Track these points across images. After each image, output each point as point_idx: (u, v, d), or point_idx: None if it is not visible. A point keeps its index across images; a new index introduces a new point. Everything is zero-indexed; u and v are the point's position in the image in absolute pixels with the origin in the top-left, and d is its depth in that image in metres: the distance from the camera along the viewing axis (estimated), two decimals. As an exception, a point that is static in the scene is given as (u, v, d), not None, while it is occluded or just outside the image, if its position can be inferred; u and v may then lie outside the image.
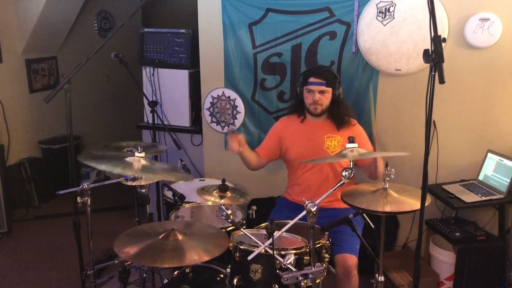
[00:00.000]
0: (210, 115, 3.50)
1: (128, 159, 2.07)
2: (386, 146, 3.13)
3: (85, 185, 2.01)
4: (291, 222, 1.82)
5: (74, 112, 2.26)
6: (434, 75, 1.55)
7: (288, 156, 2.67)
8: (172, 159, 3.72)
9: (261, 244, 1.79)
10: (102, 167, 2.03)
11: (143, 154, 2.06)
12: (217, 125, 3.50)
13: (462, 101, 2.94)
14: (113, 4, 5.43)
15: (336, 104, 2.56)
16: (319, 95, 2.50)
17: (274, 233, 1.73)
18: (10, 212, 3.86)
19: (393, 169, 1.93)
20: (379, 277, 2.05)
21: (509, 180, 2.67)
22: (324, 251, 2.04)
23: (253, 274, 1.88)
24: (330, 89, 2.51)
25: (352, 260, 2.28)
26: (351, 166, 1.86)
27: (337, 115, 2.56)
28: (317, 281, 1.82)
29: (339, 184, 1.87)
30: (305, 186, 2.62)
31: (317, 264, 1.77)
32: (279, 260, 1.79)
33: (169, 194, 2.68)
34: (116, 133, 5.35)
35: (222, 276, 2.08)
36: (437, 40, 1.56)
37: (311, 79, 2.51)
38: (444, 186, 2.88)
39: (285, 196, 2.76)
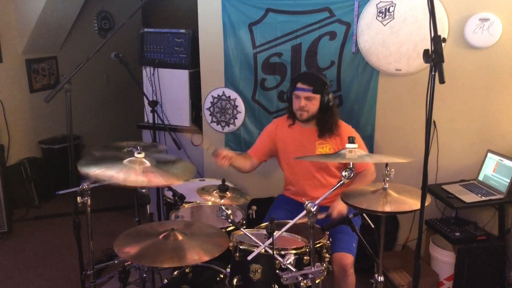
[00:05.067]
0: (210, 115, 3.50)
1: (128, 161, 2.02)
2: (385, 147, 3.13)
3: (85, 185, 2.01)
4: (291, 222, 1.82)
5: (74, 112, 2.26)
6: (434, 75, 1.55)
7: (280, 160, 2.72)
8: (172, 159, 3.71)
9: (261, 244, 1.79)
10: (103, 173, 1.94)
11: (142, 155, 2.04)
12: (217, 125, 3.50)
13: (462, 101, 2.94)
14: (113, 4, 5.43)
15: (324, 112, 2.52)
16: (305, 102, 2.48)
17: (274, 233, 1.73)
18: (10, 212, 3.86)
19: (392, 169, 1.92)
20: (379, 277, 2.05)
21: (509, 180, 2.67)
22: (325, 250, 2.05)
23: (253, 274, 1.88)
24: (317, 96, 2.48)
25: (348, 258, 2.29)
26: (351, 166, 1.85)
27: (324, 123, 2.53)
28: (317, 281, 1.82)
29: (339, 184, 1.86)
30: (298, 187, 2.65)
31: (317, 264, 1.77)
32: (279, 260, 1.80)
33: (169, 194, 2.68)
34: (116, 133, 5.35)
35: (222, 276, 2.08)
36: (437, 40, 1.56)
37: (299, 85, 2.50)
38: (444, 186, 2.88)
39: (284, 193, 2.78)
